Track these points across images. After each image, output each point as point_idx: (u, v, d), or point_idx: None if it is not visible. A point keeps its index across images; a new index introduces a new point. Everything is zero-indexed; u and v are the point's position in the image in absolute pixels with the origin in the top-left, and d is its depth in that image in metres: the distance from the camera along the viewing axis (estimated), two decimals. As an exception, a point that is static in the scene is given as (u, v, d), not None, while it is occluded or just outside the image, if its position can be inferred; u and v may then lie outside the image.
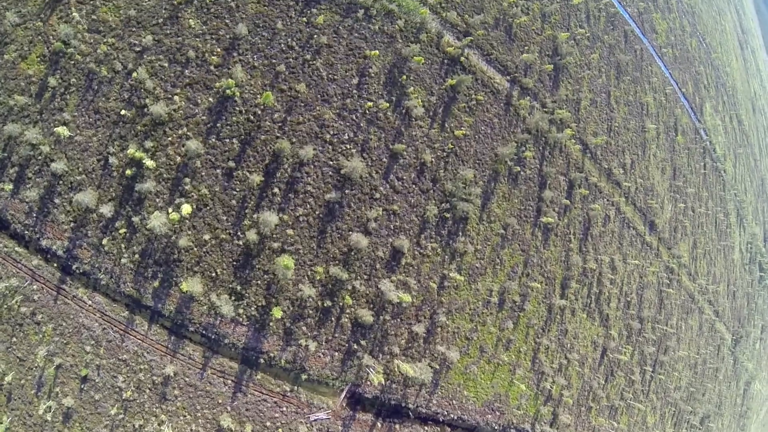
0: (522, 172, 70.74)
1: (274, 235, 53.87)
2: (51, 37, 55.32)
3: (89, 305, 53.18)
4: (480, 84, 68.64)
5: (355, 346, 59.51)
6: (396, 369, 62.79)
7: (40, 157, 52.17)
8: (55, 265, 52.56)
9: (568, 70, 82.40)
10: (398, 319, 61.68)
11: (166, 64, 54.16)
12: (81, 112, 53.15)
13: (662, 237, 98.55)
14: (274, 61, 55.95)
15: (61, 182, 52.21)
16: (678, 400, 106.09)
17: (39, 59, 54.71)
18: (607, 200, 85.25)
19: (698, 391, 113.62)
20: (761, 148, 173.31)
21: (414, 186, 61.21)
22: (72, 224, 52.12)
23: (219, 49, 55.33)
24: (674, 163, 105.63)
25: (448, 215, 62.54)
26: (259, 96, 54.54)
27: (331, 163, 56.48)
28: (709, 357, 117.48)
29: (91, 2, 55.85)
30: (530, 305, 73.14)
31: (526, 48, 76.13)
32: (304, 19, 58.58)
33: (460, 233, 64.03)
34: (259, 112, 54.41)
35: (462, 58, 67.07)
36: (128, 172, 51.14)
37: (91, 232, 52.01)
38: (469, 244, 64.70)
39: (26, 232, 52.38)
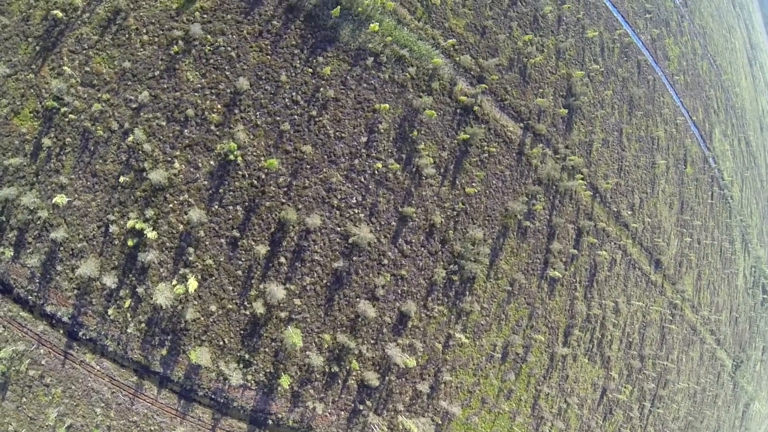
0: (531, 225, 69.11)
1: (282, 305, 52.35)
2: (44, 91, 52.24)
3: (97, 370, 51.96)
4: (493, 134, 66.21)
5: (361, 406, 58.98)
6: (399, 425, 62.70)
7: (38, 222, 49.87)
8: (61, 330, 50.89)
9: (582, 110, 79.87)
10: (403, 379, 60.99)
11: (164, 123, 51.33)
12: (78, 174, 50.55)
13: (667, 273, 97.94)
14: (278, 118, 53.24)
15: (62, 249, 50.03)
16: (675, 430, 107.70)
17: (32, 115, 51.68)
18: (615, 244, 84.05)
19: (696, 419, 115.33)
20: None
21: (423, 249, 59.50)
22: (76, 291, 50.24)
23: (219, 106, 52.47)
24: (682, 197, 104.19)
25: (455, 277, 61.12)
26: (263, 159, 52.08)
27: (338, 229, 54.49)
28: (708, 385, 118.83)
29: (84, 52, 52.63)
30: (533, 356, 72.69)
31: (541, 90, 73.40)
32: (310, 69, 55.58)
33: (467, 293, 62.75)
34: (263, 177, 52.04)
35: (475, 107, 64.47)
36: (130, 242, 49.04)
37: (95, 301, 50.22)
38: (476, 303, 63.54)
39: (30, 297, 50.49)
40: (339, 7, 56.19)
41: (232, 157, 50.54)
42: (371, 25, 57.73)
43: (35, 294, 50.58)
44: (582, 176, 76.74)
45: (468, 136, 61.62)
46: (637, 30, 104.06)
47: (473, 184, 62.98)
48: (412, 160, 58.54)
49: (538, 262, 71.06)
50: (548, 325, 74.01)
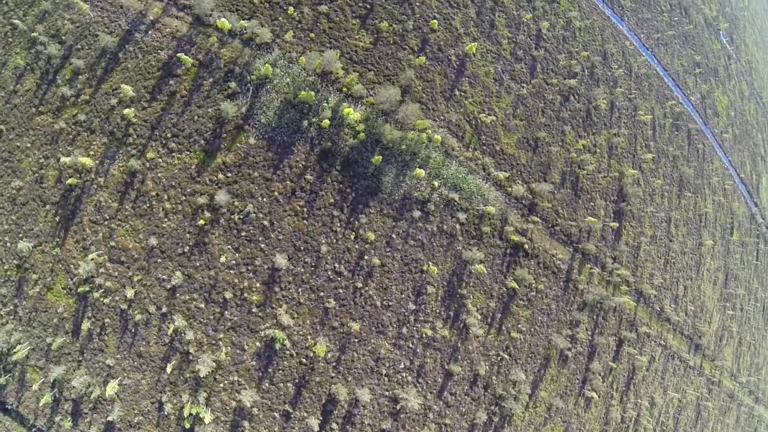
0: (572, 350, 66.74)
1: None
2: (72, 266, 50.23)
3: None
4: (542, 267, 62.54)
5: None
6: None
7: (92, 396, 49.40)
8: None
9: (632, 211, 74.82)
10: None
11: (203, 305, 49.24)
12: (123, 355, 49.52)
13: (707, 353, 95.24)
14: (321, 293, 50.67)
15: (120, 421, 49.81)
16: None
17: (65, 292, 50.05)
18: (655, 342, 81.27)
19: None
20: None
21: (466, 397, 58.03)
22: (130, 463, 50.69)
23: (258, 284, 49.85)
24: (727, 269, 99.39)
25: (495, 418, 59.91)
26: (309, 338, 50.12)
27: (387, 394, 53.17)
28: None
29: (106, 223, 49.99)
30: (572, 468, 72.57)
31: (592, 204, 68.48)
32: (352, 233, 52.00)
33: (506, 426, 61.81)
34: (312, 355, 50.33)
35: (525, 244, 60.53)
36: (186, 424, 48.52)
37: (151, 472, 50.67)
38: (517, 436, 62.79)
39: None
40: (380, 156, 51.82)
41: (278, 344, 48.63)
42: (416, 170, 53.29)
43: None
44: (628, 286, 73.12)
45: (516, 284, 58.32)
46: (687, 91, 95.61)
47: (519, 326, 60.36)
48: (459, 317, 55.94)
49: (577, 382, 69.25)
50: (585, 436, 73.31)
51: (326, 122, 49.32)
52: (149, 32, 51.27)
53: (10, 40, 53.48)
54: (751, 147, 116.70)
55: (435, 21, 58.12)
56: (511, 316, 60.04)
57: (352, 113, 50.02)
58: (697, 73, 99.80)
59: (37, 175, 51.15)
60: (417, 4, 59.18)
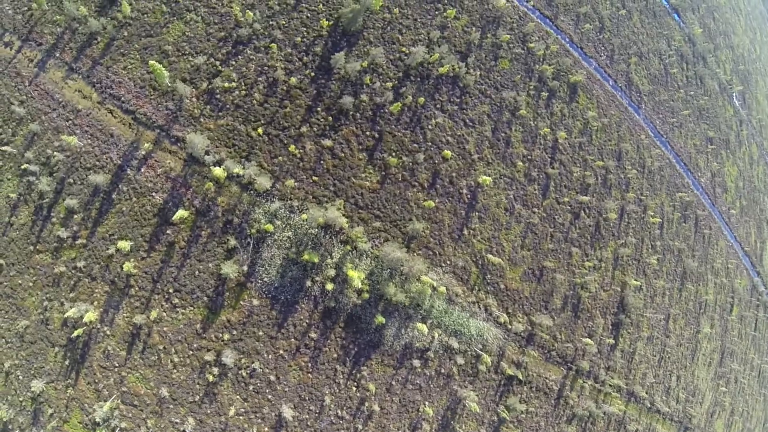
0: (564, 462, 68.91)
1: None
2: (86, 405, 51.11)
3: None
4: (534, 391, 63.51)
5: None
6: None
7: None
8: None
9: (630, 317, 75.04)
10: None
11: (213, 452, 50.60)
12: (135, 493, 51.25)
13: None
14: (323, 440, 51.91)
15: None
16: None
17: (82, 425, 51.21)
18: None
19: None
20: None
21: None
22: None
23: (266, 429, 51.03)
24: (723, 347, 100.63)
25: None
26: (309, 490, 51.70)
27: None
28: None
29: (117, 369, 50.49)
30: None
31: (591, 322, 68.62)
32: (354, 384, 52.64)
33: None
34: (312, 495, 52.11)
35: (519, 374, 61.22)
36: None
37: None
38: None
39: None
40: (383, 318, 51.70)
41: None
42: (419, 324, 53.32)
43: None
44: (619, 392, 74.44)
45: (507, 413, 59.45)
46: (698, 174, 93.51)
47: (510, 451, 62.10)
48: (452, 449, 57.46)
49: (568, 487, 71.94)
50: None
51: (330, 285, 48.82)
52: (142, 169, 49.70)
53: (0, 163, 51.97)
54: (757, 214, 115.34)
55: (448, 151, 56.21)
56: (503, 443, 61.73)
57: (356, 275, 49.36)
58: (709, 151, 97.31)
59: (42, 316, 51.15)
60: (429, 127, 57.04)
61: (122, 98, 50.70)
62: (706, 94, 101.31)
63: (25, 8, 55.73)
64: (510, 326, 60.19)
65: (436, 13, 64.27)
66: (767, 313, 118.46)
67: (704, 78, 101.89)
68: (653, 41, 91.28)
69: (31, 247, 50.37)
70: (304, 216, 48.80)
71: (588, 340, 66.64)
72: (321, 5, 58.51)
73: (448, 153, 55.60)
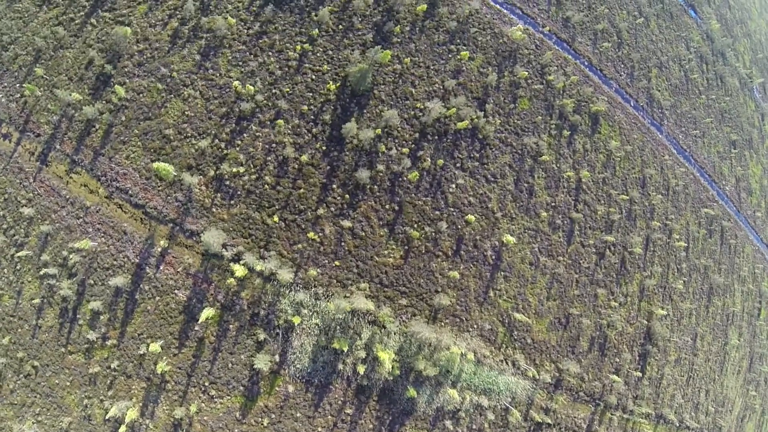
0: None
1: None
2: None
3: None
4: (563, 430, 63.51)
5: None
6: None
7: None
8: None
9: (657, 345, 74.08)
10: None
11: None
12: None
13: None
14: None
15: None
16: None
17: None
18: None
19: None
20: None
21: None
22: None
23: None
24: (752, 353, 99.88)
25: None
26: None
27: None
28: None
29: None
30: None
31: (617, 358, 67.77)
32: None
33: None
34: None
35: (548, 419, 61.04)
36: None
37: None
38: None
39: None
40: (415, 391, 51.20)
41: None
42: (449, 390, 52.86)
43: None
44: (647, 418, 74.48)
45: (543, 469, 59.84)
46: (723, 182, 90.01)
47: (545, 494, 62.82)
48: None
49: None
50: None
51: (362, 367, 48.12)
52: (161, 267, 48.42)
53: (18, 267, 50.86)
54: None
55: (471, 216, 53.97)
56: (538, 487, 62.41)
57: (386, 356, 48.48)
58: (732, 155, 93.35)
59: (83, 413, 51.29)
60: (450, 191, 54.57)
61: (129, 191, 48.82)
62: (727, 95, 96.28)
63: (18, 95, 53.22)
64: (538, 377, 59.63)
65: (450, 56, 60.38)
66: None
67: (724, 77, 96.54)
68: (672, 47, 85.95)
69: (63, 349, 49.94)
70: (331, 306, 47.59)
71: (615, 377, 66.15)
72: (326, 64, 55.12)
73: (471, 217, 53.41)
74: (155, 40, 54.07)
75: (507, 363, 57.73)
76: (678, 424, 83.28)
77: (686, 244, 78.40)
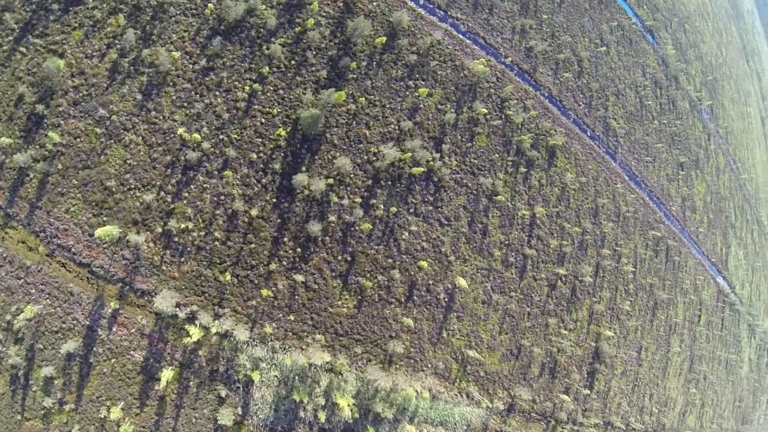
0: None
1: None
2: None
3: None
4: (516, 456, 68.11)
5: None
6: None
7: None
8: None
9: (605, 362, 79.26)
10: None
11: None
12: None
13: None
14: None
15: None
16: None
17: None
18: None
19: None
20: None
21: None
22: None
23: None
24: (692, 355, 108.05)
25: None
26: None
27: None
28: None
29: None
30: None
31: (567, 378, 72.23)
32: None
33: None
34: None
35: (501, 444, 65.25)
36: None
37: None
38: None
39: None
40: (373, 429, 53.20)
41: None
42: (407, 426, 55.27)
43: None
44: (596, 429, 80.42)
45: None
46: (670, 203, 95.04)
47: None
48: None
49: None
50: None
51: (322, 414, 49.54)
52: (113, 328, 47.25)
53: None
54: (723, 221, 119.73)
55: (423, 262, 55.13)
56: (490, 506, 67.05)
57: (344, 402, 49.92)
58: (680, 177, 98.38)
59: None
60: (403, 238, 55.31)
61: (72, 249, 46.86)
62: (678, 118, 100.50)
63: (-59, 140, 49.26)
64: (491, 405, 63.03)
65: (407, 93, 59.89)
66: (732, 311, 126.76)
67: (676, 100, 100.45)
68: (630, 73, 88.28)
69: (18, 416, 48.25)
70: (288, 360, 48.27)
71: (565, 397, 70.81)
72: (276, 106, 53.60)
73: (424, 264, 54.61)
74: (92, 74, 50.74)
75: (461, 395, 60.62)
76: (624, 428, 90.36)
77: (634, 268, 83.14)
